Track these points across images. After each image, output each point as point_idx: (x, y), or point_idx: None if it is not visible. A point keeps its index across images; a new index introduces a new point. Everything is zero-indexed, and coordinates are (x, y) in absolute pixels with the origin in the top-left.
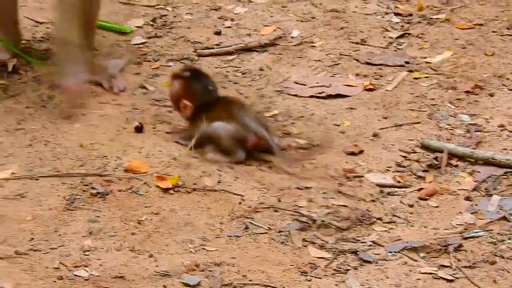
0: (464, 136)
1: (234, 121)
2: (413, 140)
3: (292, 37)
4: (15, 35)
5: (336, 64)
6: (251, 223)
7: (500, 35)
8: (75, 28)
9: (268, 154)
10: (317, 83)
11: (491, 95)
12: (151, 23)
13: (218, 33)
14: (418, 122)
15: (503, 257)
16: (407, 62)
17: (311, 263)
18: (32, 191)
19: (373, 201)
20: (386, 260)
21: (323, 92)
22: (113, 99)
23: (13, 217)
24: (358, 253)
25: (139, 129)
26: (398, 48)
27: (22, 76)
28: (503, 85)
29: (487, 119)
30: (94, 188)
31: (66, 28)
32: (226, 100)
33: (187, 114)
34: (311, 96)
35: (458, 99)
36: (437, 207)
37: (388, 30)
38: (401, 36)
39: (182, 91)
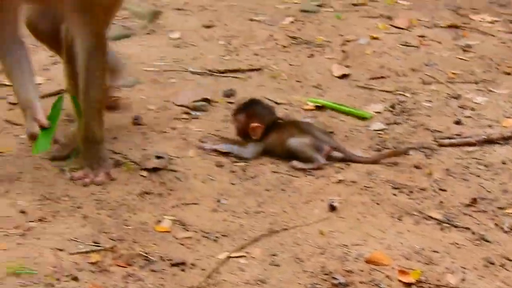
0: None
1: (307, 135)
2: None
3: None
4: None
5: None
6: None
7: None
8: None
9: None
10: None
11: None
12: (390, 109)
13: (458, 122)
14: None
15: None
16: None
17: None
18: (273, 277)
19: None
20: None
21: None
22: (351, 183)
23: None
24: None
25: (332, 208)
26: None
27: (261, 159)
28: None
29: None
30: (335, 278)
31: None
32: (290, 120)
33: (258, 134)
34: None
35: None
36: None
37: None
38: None
39: (248, 118)
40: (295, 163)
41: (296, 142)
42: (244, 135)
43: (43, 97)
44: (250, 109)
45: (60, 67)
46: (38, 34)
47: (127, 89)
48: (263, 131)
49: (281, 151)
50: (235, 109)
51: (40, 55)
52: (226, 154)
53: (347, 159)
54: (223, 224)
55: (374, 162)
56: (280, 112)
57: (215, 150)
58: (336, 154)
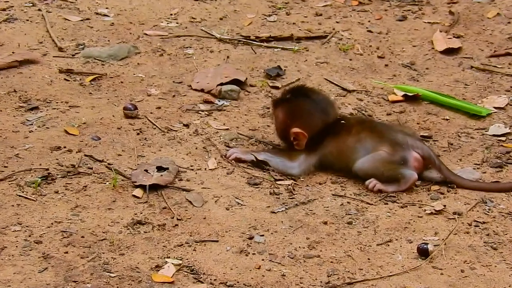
0: None
1: (383, 143)
2: None
3: None
4: None
5: None
6: None
7: None
8: None
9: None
10: None
11: None
12: None
13: None
14: None
15: None
16: None
17: None
18: None
19: None
20: None
21: None
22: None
23: None
24: None
25: (424, 252)
26: None
27: (317, 175)
28: None
29: None
30: None
31: None
32: (356, 119)
33: (302, 144)
34: None
35: None
36: None
37: None
38: None
39: (288, 118)
40: (373, 183)
41: (366, 163)
42: (285, 139)
43: None
44: (292, 104)
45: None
46: None
47: (117, 63)
48: (311, 139)
49: (343, 167)
50: (275, 99)
51: None
52: (264, 166)
53: (448, 181)
54: (256, 273)
55: (488, 190)
56: (350, 104)
57: (248, 161)
58: (433, 173)
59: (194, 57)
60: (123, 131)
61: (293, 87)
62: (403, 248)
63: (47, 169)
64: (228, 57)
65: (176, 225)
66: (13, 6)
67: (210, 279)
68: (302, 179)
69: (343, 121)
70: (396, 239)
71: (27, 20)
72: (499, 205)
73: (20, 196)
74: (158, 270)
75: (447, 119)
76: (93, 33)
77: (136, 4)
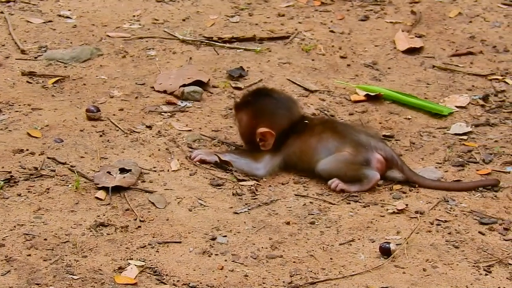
0: None
1: (345, 144)
2: None
3: None
4: None
5: None
6: None
7: None
8: None
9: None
10: None
11: None
12: (481, 102)
13: None
14: None
15: None
16: None
17: None
18: None
19: None
20: None
21: None
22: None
23: None
24: None
25: (386, 252)
26: None
27: (279, 175)
28: None
29: None
30: None
31: None
32: (320, 120)
33: (269, 144)
34: None
35: None
36: None
37: None
38: None
39: (254, 118)
40: (335, 183)
41: (328, 164)
42: (251, 142)
43: None
44: (257, 105)
45: None
46: None
47: (80, 65)
48: (276, 139)
49: (306, 168)
50: (237, 103)
51: None
52: (227, 167)
53: (410, 181)
54: (218, 274)
55: (450, 189)
56: (312, 104)
57: (210, 163)
58: (395, 173)
59: (156, 58)
60: (85, 133)
61: (254, 89)
62: (366, 248)
63: (10, 172)
64: (190, 58)
65: (139, 226)
66: None
67: (173, 280)
68: (265, 180)
69: (306, 121)
70: (359, 239)
71: None
72: (460, 203)
73: None
74: (121, 272)
75: (409, 119)
76: (56, 35)
77: (98, 6)
